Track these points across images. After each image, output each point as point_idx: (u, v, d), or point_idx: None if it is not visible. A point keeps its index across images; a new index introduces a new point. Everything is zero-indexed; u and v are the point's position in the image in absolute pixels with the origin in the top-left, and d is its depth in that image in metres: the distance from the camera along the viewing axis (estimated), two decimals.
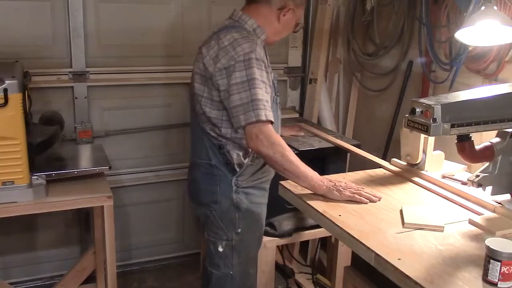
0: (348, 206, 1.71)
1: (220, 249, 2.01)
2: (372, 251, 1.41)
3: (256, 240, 2.10)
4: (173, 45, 2.97)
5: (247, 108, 1.78)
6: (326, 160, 2.46)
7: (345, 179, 1.89)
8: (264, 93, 1.81)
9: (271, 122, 1.80)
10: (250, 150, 1.91)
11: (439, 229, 1.55)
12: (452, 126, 1.58)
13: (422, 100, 1.61)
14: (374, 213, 1.66)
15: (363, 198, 1.74)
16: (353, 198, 1.74)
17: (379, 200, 1.76)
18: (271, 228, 2.32)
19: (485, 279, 1.27)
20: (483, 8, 1.84)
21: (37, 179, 2.14)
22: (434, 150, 1.99)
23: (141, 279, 3.14)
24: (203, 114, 1.95)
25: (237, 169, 1.95)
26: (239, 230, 1.99)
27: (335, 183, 1.78)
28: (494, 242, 1.27)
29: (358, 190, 1.78)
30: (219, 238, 2.01)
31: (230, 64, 1.81)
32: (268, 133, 1.79)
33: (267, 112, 1.79)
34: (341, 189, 1.75)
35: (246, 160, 1.95)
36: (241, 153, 1.95)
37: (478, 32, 1.86)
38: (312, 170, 1.81)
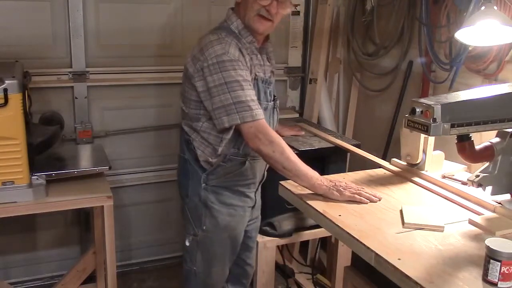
0: (348, 206, 1.71)
1: (187, 243, 2.04)
2: (372, 251, 1.41)
3: (224, 240, 2.06)
4: (172, 45, 2.97)
5: (230, 110, 1.80)
6: (326, 160, 2.46)
7: (345, 179, 1.89)
8: (248, 93, 1.81)
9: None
10: (220, 151, 1.92)
11: (439, 229, 1.55)
12: (452, 126, 1.58)
13: (422, 100, 1.62)
14: (374, 213, 1.66)
15: (363, 198, 1.74)
16: (353, 198, 1.74)
17: (379, 200, 1.76)
18: (271, 228, 2.32)
19: (485, 279, 1.27)
20: (483, 8, 1.84)
21: (37, 179, 2.14)
22: (434, 150, 1.99)
23: (141, 279, 3.14)
24: (182, 110, 2.00)
25: (205, 167, 1.96)
26: (204, 227, 2.00)
27: (335, 183, 1.78)
28: (494, 242, 1.28)
29: (358, 190, 1.77)
30: (187, 233, 2.04)
31: (204, 66, 1.83)
32: (266, 131, 1.80)
33: (254, 112, 1.80)
34: (341, 189, 1.75)
35: (215, 160, 1.95)
36: (207, 151, 1.95)
37: (478, 32, 1.86)
38: (312, 170, 1.81)
